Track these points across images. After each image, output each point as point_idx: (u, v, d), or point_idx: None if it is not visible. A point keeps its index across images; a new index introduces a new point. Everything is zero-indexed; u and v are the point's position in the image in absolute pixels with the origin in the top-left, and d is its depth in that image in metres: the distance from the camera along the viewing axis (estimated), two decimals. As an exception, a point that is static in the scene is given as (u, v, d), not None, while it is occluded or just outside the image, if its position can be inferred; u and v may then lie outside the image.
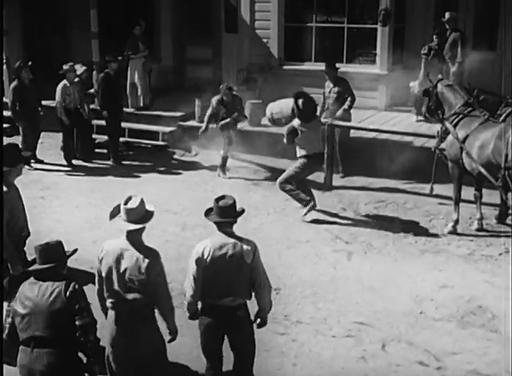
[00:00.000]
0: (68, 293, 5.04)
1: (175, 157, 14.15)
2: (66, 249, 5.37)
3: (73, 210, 10.88)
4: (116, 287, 5.44)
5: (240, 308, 5.69)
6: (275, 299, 7.85)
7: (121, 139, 14.14)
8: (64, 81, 13.33)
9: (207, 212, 5.86)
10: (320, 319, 7.54)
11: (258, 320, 5.93)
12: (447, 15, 13.77)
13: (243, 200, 11.26)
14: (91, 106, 14.13)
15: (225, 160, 12.71)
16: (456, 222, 9.91)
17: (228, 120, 12.47)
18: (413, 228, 10.13)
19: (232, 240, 5.67)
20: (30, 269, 5.23)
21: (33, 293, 5.09)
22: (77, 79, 13.74)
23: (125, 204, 5.59)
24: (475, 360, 6.74)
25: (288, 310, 7.70)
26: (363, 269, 8.74)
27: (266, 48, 16.21)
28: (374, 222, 10.31)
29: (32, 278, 5.18)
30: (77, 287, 5.09)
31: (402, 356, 6.84)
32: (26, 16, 17.63)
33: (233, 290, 5.61)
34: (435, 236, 9.83)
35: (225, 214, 5.71)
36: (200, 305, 5.79)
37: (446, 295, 8.07)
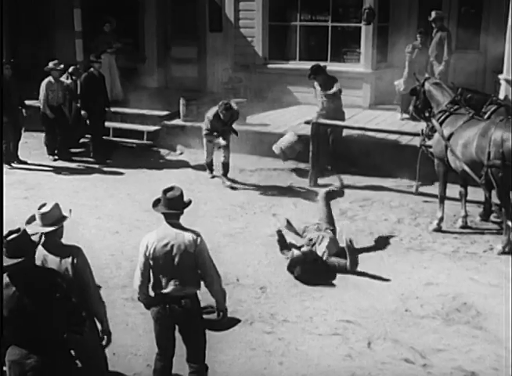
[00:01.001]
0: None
1: (160, 156, 14.12)
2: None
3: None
4: None
5: (187, 298, 5.72)
6: (261, 298, 7.95)
7: (106, 138, 14.10)
8: (49, 78, 13.40)
9: (155, 203, 5.93)
10: (306, 318, 7.54)
11: (221, 314, 5.97)
12: (433, 14, 13.81)
13: (230, 199, 11.37)
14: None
15: (226, 166, 12.25)
16: (441, 219, 9.96)
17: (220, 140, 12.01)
18: (399, 226, 10.17)
19: (175, 231, 5.73)
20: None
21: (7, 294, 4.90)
22: (68, 81, 13.78)
23: (39, 209, 5.63)
24: (460, 357, 6.77)
25: (275, 309, 7.71)
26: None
27: (251, 47, 16.25)
28: (360, 221, 10.33)
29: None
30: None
31: (387, 353, 6.86)
32: (9, 16, 17.53)
33: (178, 280, 5.67)
34: (420, 234, 9.86)
35: (172, 205, 5.78)
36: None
37: (431, 293, 8.11)
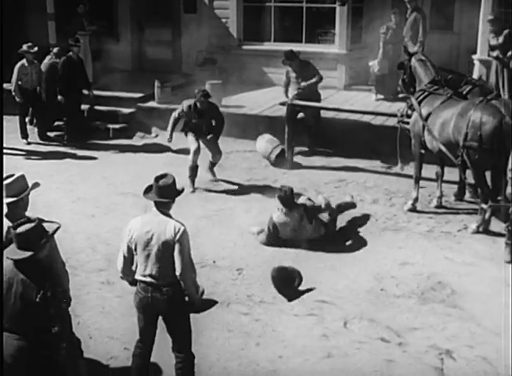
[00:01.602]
0: (38, 299, 4.84)
1: (135, 138, 14.04)
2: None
3: (32, 193, 10.73)
4: None
5: (168, 286, 5.63)
6: (237, 279, 7.98)
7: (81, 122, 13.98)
8: (22, 61, 13.27)
9: (146, 190, 5.85)
10: (283, 299, 7.57)
11: (189, 304, 5.91)
12: None
13: (206, 181, 11.34)
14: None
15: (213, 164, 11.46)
16: (416, 199, 10.02)
17: (210, 136, 11.05)
18: (374, 207, 10.23)
19: (158, 219, 5.65)
20: (7, 254, 4.93)
21: (8, 284, 4.87)
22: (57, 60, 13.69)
23: (4, 179, 5.72)
24: (435, 335, 6.85)
25: (251, 290, 7.73)
26: (324, 247, 8.78)
27: (225, 29, 16.17)
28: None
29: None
30: (48, 293, 4.85)
31: (363, 333, 6.92)
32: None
33: (158, 268, 5.61)
34: (395, 214, 9.93)
35: (164, 193, 5.69)
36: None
37: (406, 272, 8.17)
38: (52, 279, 4.97)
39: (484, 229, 9.19)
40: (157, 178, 5.78)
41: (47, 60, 13.94)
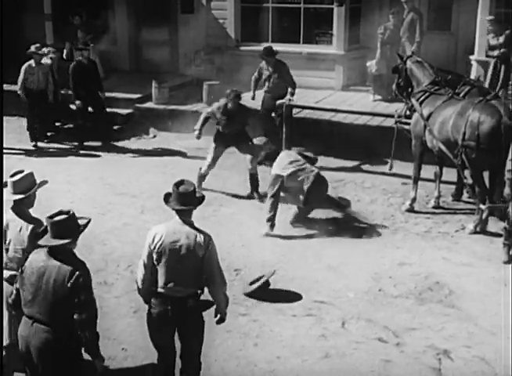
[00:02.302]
0: (70, 284, 4.88)
1: (133, 139, 14.02)
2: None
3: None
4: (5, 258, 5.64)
5: (191, 298, 5.45)
6: (235, 280, 7.97)
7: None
8: (30, 61, 13.19)
9: (166, 197, 5.59)
10: (281, 300, 7.57)
11: (218, 316, 5.77)
12: None
13: (203, 183, 11.32)
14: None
15: (254, 177, 10.74)
16: (414, 200, 10.03)
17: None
18: (372, 207, 10.23)
19: (186, 229, 5.43)
20: (41, 243, 5.04)
21: (39, 273, 4.96)
22: (48, 61, 13.62)
23: (11, 176, 5.76)
24: (433, 336, 6.86)
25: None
26: (322, 248, 8.79)
27: (223, 29, 16.16)
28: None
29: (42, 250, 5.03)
30: (80, 279, 4.90)
31: (361, 333, 6.92)
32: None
33: (183, 280, 5.39)
34: (393, 214, 9.93)
35: (186, 201, 5.44)
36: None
37: (404, 272, 8.18)
38: (84, 266, 5.00)
39: (482, 230, 9.20)
40: (177, 185, 5.51)
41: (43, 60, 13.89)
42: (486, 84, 12.43)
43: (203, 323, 5.65)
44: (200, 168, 10.76)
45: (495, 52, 12.56)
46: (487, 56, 12.81)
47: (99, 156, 12.88)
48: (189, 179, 5.66)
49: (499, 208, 8.74)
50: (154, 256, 5.41)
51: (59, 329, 4.95)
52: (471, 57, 14.06)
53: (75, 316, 4.92)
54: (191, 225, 5.50)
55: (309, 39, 15.73)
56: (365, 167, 11.93)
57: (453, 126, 9.07)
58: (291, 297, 7.64)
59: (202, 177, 10.72)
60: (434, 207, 10.10)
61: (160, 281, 5.44)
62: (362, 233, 9.33)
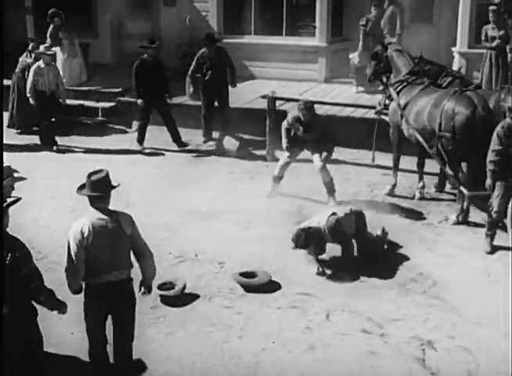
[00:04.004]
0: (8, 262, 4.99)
1: (116, 133, 13.95)
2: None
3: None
4: None
5: (128, 282, 5.63)
6: (219, 273, 7.97)
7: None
8: (39, 62, 12.74)
9: (80, 187, 5.74)
10: (265, 292, 7.57)
11: (143, 289, 5.83)
12: None
13: (188, 175, 11.32)
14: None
15: (329, 184, 9.97)
16: (394, 185, 10.24)
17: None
18: (356, 198, 10.24)
19: (107, 214, 5.58)
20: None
21: None
22: (28, 59, 13.39)
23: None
24: (417, 326, 6.88)
25: (233, 283, 7.71)
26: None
27: (205, 22, 16.09)
28: (317, 194, 10.36)
29: None
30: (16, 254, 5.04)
31: (346, 324, 6.94)
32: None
33: (118, 263, 5.53)
34: (377, 206, 9.95)
35: (98, 188, 5.59)
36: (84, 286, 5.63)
37: (387, 263, 8.19)
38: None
39: (464, 219, 9.24)
40: (90, 174, 5.67)
41: (23, 58, 13.72)
42: (482, 76, 12.49)
43: (135, 309, 5.77)
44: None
45: (494, 43, 12.51)
46: (487, 47, 12.70)
47: (79, 151, 12.78)
48: (104, 168, 5.78)
49: (481, 198, 8.77)
50: (86, 249, 5.45)
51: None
52: (453, 49, 14.12)
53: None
54: (108, 210, 5.63)
55: (292, 31, 15.73)
56: (349, 158, 11.94)
57: (429, 116, 9.15)
58: (276, 289, 7.64)
59: (277, 179, 10.29)
60: (419, 199, 10.13)
61: (97, 270, 5.50)
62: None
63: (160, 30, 16.57)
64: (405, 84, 9.92)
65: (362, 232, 8.37)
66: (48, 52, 12.81)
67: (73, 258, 5.47)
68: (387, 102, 10.30)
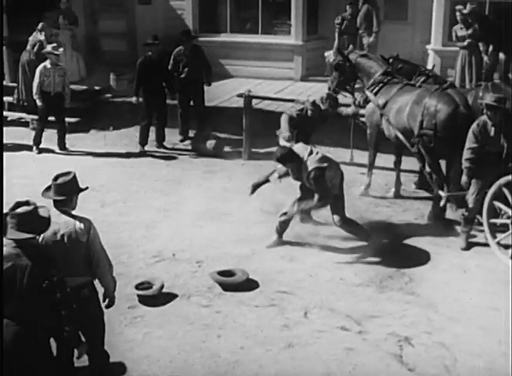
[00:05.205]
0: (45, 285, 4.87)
1: (92, 132, 13.87)
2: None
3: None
4: None
5: (84, 287, 5.51)
6: (197, 272, 7.96)
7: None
8: (45, 62, 12.44)
9: (46, 189, 5.63)
10: (243, 290, 7.58)
11: (106, 301, 5.76)
12: None
13: (164, 174, 11.30)
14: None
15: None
16: (368, 185, 10.27)
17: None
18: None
19: (64, 219, 5.46)
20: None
21: None
22: (42, 37, 13.34)
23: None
24: (394, 323, 6.92)
25: (211, 282, 7.70)
26: (284, 239, 8.78)
27: (181, 20, 16.06)
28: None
29: None
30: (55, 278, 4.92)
31: (324, 322, 6.96)
32: None
33: (72, 269, 5.36)
34: (353, 203, 9.98)
35: (62, 191, 5.50)
36: None
37: (364, 260, 8.25)
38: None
39: (441, 217, 9.31)
40: (56, 177, 5.57)
41: (33, 36, 13.57)
42: (456, 75, 12.59)
43: (102, 313, 5.70)
44: None
45: (465, 43, 12.62)
46: (461, 46, 12.82)
47: (55, 150, 12.70)
48: (71, 170, 5.69)
49: (458, 196, 8.85)
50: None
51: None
52: (428, 47, 14.22)
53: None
54: (69, 213, 5.53)
55: (268, 30, 15.76)
56: (326, 157, 11.96)
57: (409, 114, 9.17)
58: (254, 287, 7.66)
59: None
60: (395, 196, 10.19)
61: None
62: (322, 223, 9.35)
63: (136, 28, 16.50)
64: (381, 85, 9.92)
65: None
66: (56, 52, 12.43)
67: None
68: (364, 105, 10.24)
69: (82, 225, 5.46)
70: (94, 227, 5.54)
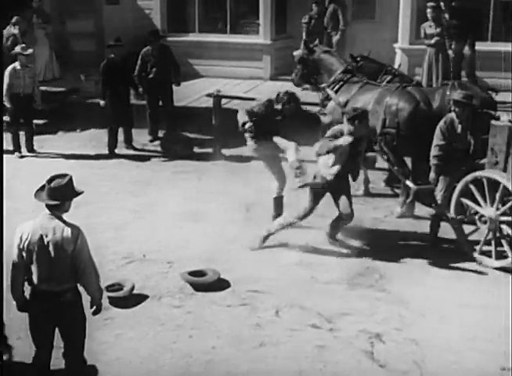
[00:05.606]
0: None
1: (60, 133, 13.76)
2: None
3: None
4: None
5: (68, 292, 5.41)
6: (168, 272, 7.94)
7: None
8: (15, 64, 12.19)
9: (39, 190, 5.46)
10: (215, 290, 7.58)
11: (93, 308, 5.68)
12: None
13: (134, 175, 11.25)
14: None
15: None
16: None
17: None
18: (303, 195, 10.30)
19: (53, 225, 5.32)
20: None
21: None
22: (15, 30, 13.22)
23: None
24: (365, 320, 6.97)
25: (182, 283, 7.69)
26: (255, 238, 8.79)
27: (149, 20, 16.01)
28: (261, 191, 10.39)
29: None
30: None
31: (295, 320, 6.98)
32: None
33: (55, 276, 5.31)
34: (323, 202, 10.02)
35: (55, 195, 5.34)
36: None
37: (335, 258, 8.29)
38: None
39: (410, 214, 9.39)
40: (50, 179, 5.41)
41: (7, 30, 13.46)
42: (423, 73, 12.66)
43: (84, 318, 5.64)
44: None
45: (432, 41, 12.68)
46: (428, 45, 12.87)
47: (23, 153, 12.58)
48: (66, 173, 5.55)
49: (424, 193, 8.90)
50: (24, 255, 5.32)
51: None
52: (395, 45, 14.32)
53: None
54: (60, 218, 5.40)
55: (236, 29, 15.78)
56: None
57: (371, 113, 9.23)
58: (225, 287, 7.66)
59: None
60: (364, 194, 10.25)
61: (35, 279, 5.37)
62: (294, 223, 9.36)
63: (104, 28, 16.40)
64: (341, 83, 9.98)
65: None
66: (25, 53, 12.17)
67: (14, 260, 5.37)
68: (325, 103, 10.29)
69: (70, 234, 5.31)
70: (83, 236, 5.38)
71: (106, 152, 12.40)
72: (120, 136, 12.58)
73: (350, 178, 8.52)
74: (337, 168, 8.16)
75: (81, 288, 5.57)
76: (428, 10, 12.67)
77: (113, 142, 12.44)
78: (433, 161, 8.40)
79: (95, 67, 12.99)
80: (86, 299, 5.66)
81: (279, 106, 8.91)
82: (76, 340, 5.63)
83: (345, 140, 7.99)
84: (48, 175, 5.59)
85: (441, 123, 8.33)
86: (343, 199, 8.35)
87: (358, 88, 9.68)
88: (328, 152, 8.09)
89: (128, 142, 12.62)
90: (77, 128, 13.77)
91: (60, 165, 11.64)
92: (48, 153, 12.51)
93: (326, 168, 8.25)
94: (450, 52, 12.60)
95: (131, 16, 16.15)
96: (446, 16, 12.77)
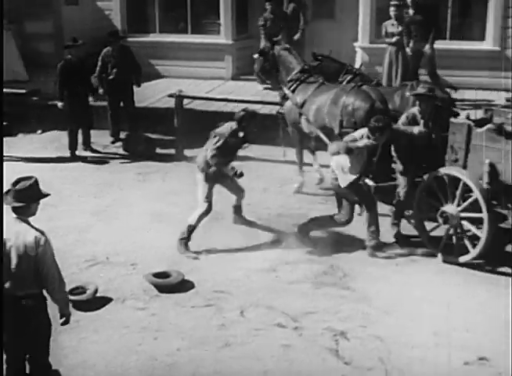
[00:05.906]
0: None
1: (20, 136, 13.57)
2: None
3: None
4: None
5: (30, 297, 5.35)
6: (132, 274, 7.89)
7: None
8: None
9: (5, 194, 5.38)
10: (179, 291, 7.55)
11: (63, 319, 5.61)
12: None
13: (95, 177, 11.15)
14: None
15: None
16: (302, 183, 10.31)
17: None
18: (264, 195, 10.33)
19: (17, 229, 5.29)
20: None
21: None
22: None
23: None
24: (330, 318, 7.01)
25: (146, 285, 7.64)
26: (220, 239, 8.78)
27: (109, 21, 15.89)
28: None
29: None
30: None
31: (260, 320, 6.99)
32: None
33: (18, 280, 5.28)
34: (286, 201, 10.06)
35: (20, 197, 5.28)
36: None
37: (299, 257, 8.32)
38: None
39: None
40: (15, 182, 5.34)
41: None
42: (384, 72, 12.72)
43: (48, 323, 5.58)
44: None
45: (393, 39, 12.73)
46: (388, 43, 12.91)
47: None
48: (33, 175, 5.49)
49: (384, 191, 8.96)
50: None
51: None
52: (355, 44, 14.41)
53: None
54: (27, 222, 5.34)
55: (197, 29, 15.72)
56: (260, 155, 11.99)
57: (328, 113, 9.29)
58: (189, 288, 7.64)
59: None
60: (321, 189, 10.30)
61: (5, 279, 5.31)
62: (255, 220, 9.36)
63: (63, 29, 16.21)
64: (298, 82, 10.01)
65: None
66: None
67: None
68: (282, 102, 10.31)
69: (33, 239, 5.24)
70: (46, 240, 5.31)
71: (68, 154, 12.27)
72: (80, 138, 12.46)
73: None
74: (354, 177, 8.23)
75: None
76: (391, 8, 12.67)
77: (73, 144, 12.29)
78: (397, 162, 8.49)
79: (54, 68, 12.83)
80: (54, 306, 5.61)
81: (241, 134, 8.66)
82: (39, 346, 5.57)
83: (366, 142, 8.11)
84: (9, 178, 5.53)
85: (403, 118, 8.39)
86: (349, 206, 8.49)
87: (315, 89, 9.73)
88: (347, 152, 8.14)
89: (87, 143, 12.49)
90: (38, 129, 13.60)
91: (21, 168, 11.50)
92: (8, 156, 12.32)
93: (341, 172, 8.29)
94: (408, 50, 12.65)
95: (90, 16, 15.99)
96: (410, 11, 12.82)
